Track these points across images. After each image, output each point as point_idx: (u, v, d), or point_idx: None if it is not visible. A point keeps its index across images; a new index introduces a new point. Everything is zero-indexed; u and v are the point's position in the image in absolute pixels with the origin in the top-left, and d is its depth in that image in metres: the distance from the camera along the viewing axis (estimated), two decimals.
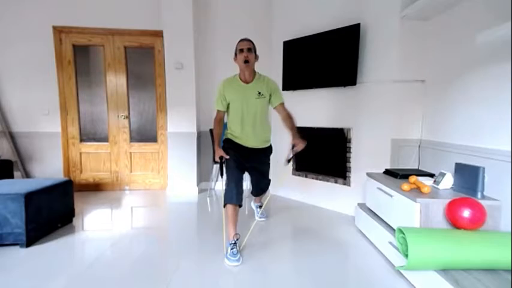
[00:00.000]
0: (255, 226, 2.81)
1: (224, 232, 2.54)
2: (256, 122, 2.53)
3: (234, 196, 2.35)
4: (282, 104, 2.57)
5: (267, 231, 2.88)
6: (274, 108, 2.59)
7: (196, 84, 4.07)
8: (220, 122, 2.58)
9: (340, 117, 3.35)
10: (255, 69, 2.54)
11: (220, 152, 2.48)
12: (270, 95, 2.53)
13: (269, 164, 2.81)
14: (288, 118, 2.55)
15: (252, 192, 3.01)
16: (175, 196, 4.03)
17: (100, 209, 3.53)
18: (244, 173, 2.56)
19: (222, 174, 2.57)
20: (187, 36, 3.94)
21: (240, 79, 2.50)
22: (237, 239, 2.32)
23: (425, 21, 2.79)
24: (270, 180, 2.90)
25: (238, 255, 2.23)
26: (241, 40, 2.47)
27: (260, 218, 3.12)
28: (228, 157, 2.45)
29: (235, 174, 2.41)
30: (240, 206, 2.41)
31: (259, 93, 2.48)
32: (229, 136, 2.62)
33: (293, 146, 2.43)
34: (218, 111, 2.58)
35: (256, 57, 2.51)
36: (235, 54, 2.47)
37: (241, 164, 2.50)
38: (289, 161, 2.55)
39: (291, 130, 2.51)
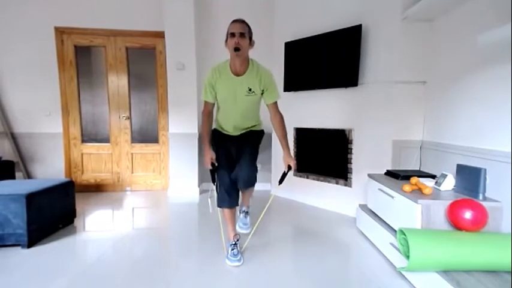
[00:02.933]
0: (255, 228, 2.80)
1: (223, 233, 2.54)
2: (243, 118, 2.27)
3: (226, 201, 2.23)
4: (275, 103, 2.22)
5: (267, 232, 2.88)
6: (266, 105, 2.25)
7: (197, 84, 4.07)
8: (209, 116, 2.25)
9: (342, 118, 3.35)
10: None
11: (209, 156, 2.17)
12: (263, 91, 2.17)
13: (256, 148, 2.36)
14: (280, 123, 2.22)
15: (238, 185, 2.34)
16: (176, 197, 4.03)
17: (101, 209, 3.54)
18: (229, 170, 2.27)
19: (214, 181, 2.26)
20: (189, 37, 3.95)
21: (231, 69, 2.13)
22: (237, 240, 2.30)
23: (426, 22, 2.79)
24: (256, 169, 2.25)
25: (239, 255, 2.22)
26: (234, 21, 2.05)
27: (241, 228, 2.52)
28: (216, 164, 2.20)
29: (226, 180, 2.20)
30: (237, 205, 2.32)
31: (250, 89, 2.13)
32: (217, 126, 2.38)
33: (289, 167, 2.19)
34: (206, 103, 2.23)
35: (251, 43, 2.11)
36: (226, 38, 2.08)
37: (232, 163, 2.25)
38: (281, 181, 2.26)
39: (283, 140, 2.22)
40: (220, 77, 2.14)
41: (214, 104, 2.27)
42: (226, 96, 2.18)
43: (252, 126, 2.37)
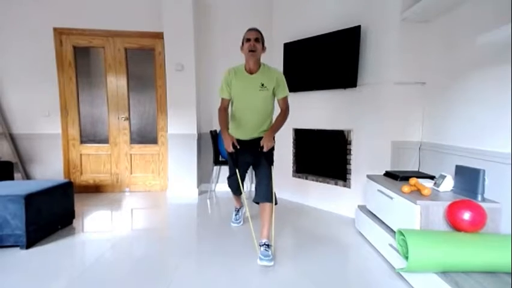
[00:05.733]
0: (255, 229, 2.80)
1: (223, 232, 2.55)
2: (257, 114, 2.49)
3: (233, 189, 2.79)
4: (286, 97, 2.51)
5: None
6: (277, 99, 2.52)
7: (196, 85, 4.07)
8: (226, 110, 2.54)
9: (341, 119, 3.36)
10: (261, 60, 2.48)
11: (229, 139, 2.39)
12: (275, 87, 2.45)
13: (272, 159, 2.51)
14: (284, 114, 2.49)
15: (254, 199, 2.48)
16: (175, 198, 4.03)
17: (100, 210, 3.53)
18: (242, 168, 2.61)
19: (236, 165, 2.54)
20: (188, 38, 3.95)
21: (245, 69, 2.45)
22: (240, 207, 3.02)
23: (425, 23, 2.80)
24: (270, 173, 2.43)
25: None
26: (250, 30, 2.41)
27: (262, 260, 2.21)
28: (238, 146, 2.41)
29: (234, 185, 2.71)
30: (241, 193, 2.73)
31: (262, 85, 2.41)
32: (230, 131, 2.56)
33: (262, 148, 2.36)
34: (223, 99, 2.53)
35: (264, 49, 2.45)
36: (242, 44, 2.42)
37: (238, 161, 2.56)
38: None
39: (275, 126, 2.45)
40: (236, 76, 2.46)
41: (229, 101, 2.55)
42: (241, 92, 2.46)
43: (267, 129, 2.52)
